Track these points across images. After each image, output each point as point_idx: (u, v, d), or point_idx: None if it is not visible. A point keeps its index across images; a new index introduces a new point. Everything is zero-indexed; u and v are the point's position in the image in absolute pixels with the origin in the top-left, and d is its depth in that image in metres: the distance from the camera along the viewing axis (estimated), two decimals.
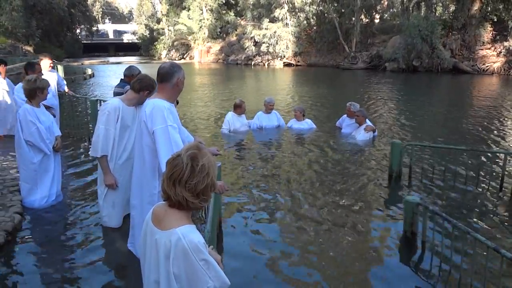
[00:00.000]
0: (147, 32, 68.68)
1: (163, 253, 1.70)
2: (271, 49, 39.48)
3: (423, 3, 32.56)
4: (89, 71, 26.85)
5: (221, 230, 4.16)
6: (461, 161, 6.63)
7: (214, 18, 50.87)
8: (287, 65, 39.21)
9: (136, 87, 3.75)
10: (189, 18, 51.15)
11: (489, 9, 29.01)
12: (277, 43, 39.01)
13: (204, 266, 1.67)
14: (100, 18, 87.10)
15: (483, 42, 28.84)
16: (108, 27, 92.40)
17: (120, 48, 79.53)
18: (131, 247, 3.52)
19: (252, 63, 41.48)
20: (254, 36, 40.55)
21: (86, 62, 46.67)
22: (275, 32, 38.76)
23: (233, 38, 48.74)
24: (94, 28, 68.56)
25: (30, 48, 41.38)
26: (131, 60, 54.15)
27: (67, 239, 4.10)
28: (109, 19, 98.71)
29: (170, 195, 1.72)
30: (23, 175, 4.72)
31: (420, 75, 26.71)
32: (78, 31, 66.29)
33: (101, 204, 4.04)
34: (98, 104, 8.00)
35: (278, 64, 39.69)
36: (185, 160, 1.70)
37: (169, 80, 3.03)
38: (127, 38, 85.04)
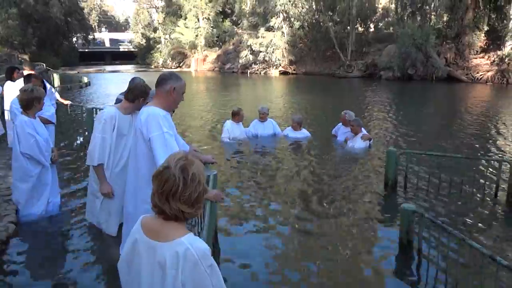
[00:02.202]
0: (144, 40, 68.79)
1: (170, 265, 1.65)
2: (267, 58, 39.66)
3: (417, 12, 32.89)
4: (85, 80, 26.83)
5: (217, 239, 4.15)
6: (457, 169, 6.66)
7: (211, 27, 51.12)
8: (283, 73, 39.38)
9: (130, 97, 3.76)
10: (185, 27, 51.35)
11: (482, 18, 29.34)
12: (273, 51, 39.20)
13: (210, 272, 1.66)
14: (96, 27, 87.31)
15: (477, 51, 29.16)
16: (104, 36, 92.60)
17: (117, 57, 79.61)
18: None
19: (248, 71, 41.63)
20: (250, 45, 40.75)
21: (83, 70, 46.67)
22: (271, 40, 38.97)
23: (230, 46, 48.93)
24: (91, 37, 68.70)
25: (26, 57, 41.32)
26: (127, 68, 54.24)
27: (62, 247, 4.07)
28: (105, 27, 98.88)
29: (165, 209, 1.68)
30: (21, 189, 4.58)
31: (415, 84, 26.89)
32: (74, 39, 66.35)
33: (97, 212, 4.03)
34: (94, 113, 7.99)
35: (274, 72, 39.85)
36: (176, 173, 1.66)
37: (162, 86, 3.04)
38: (123, 47, 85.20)
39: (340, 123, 8.80)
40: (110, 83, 28.05)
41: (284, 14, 39.24)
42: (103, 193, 3.82)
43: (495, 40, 28.64)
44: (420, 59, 28.44)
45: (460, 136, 9.74)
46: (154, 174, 1.72)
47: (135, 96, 3.75)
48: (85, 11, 71.47)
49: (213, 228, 3.87)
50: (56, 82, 22.28)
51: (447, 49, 29.67)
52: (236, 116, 8.65)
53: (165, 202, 1.67)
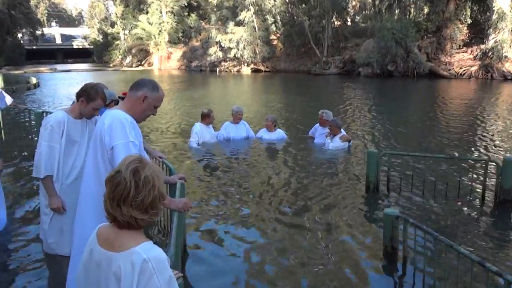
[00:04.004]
0: (100, 36, 67.60)
1: (125, 276, 1.65)
2: (238, 55, 39.72)
3: (395, 5, 33.76)
4: (34, 80, 26.02)
5: (186, 252, 4.10)
6: (441, 170, 6.83)
7: (175, 22, 50.77)
8: (255, 71, 39.53)
9: (76, 95, 3.67)
10: (147, 22, 50.81)
11: (464, 10, 30.35)
12: (244, 48, 39.30)
13: (167, 286, 1.66)
14: (45, 21, 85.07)
15: (459, 45, 30.11)
16: (55, 31, 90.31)
17: (70, 55, 77.84)
18: None
19: (218, 69, 41.57)
20: (219, 41, 40.71)
21: (30, 70, 45.38)
22: (241, 36, 39.07)
23: (196, 43, 48.74)
24: (39, 32, 66.75)
25: None
26: (82, 67, 53.15)
27: (8, 267, 3.92)
28: (56, 22, 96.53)
29: (117, 216, 1.69)
30: None
31: (396, 80, 27.54)
32: (20, 35, 64.41)
33: (46, 230, 3.87)
34: (44, 117, 7.78)
35: (245, 70, 39.94)
36: (127, 176, 1.68)
37: (135, 90, 2.95)
38: (77, 43, 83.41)
39: (317, 124, 8.90)
40: (62, 84, 27.38)
41: (255, 8, 39.45)
42: (52, 208, 3.68)
43: (478, 34, 29.66)
44: (400, 54, 29.17)
45: (444, 135, 10.01)
46: (106, 179, 1.74)
47: (78, 94, 3.63)
48: (32, 3, 69.51)
49: (182, 241, 3.83)
50: None
51: (428, 44, 30.55)
52: (207, 118, 8.60)
53: (117, 208, 1.69)
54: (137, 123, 2.94)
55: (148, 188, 1.70)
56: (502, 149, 8.57)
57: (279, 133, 9.17)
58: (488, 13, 28.96)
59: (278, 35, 41.19)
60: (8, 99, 8.51)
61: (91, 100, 3.57)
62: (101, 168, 2.91)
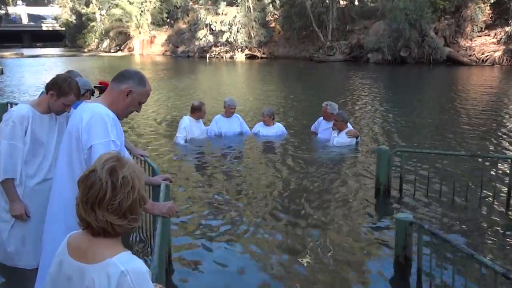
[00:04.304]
0: (73, 17, 67.09)
1: None
2: (230, 39, 39.60)
3: None
4: None
5: (171, 264, 4.09)
6: (461, 170, 6.85)
7: (159, 1, 50.51)
8: (250, 57, 39.43)
9: (46, 87, 3.63)
10: (127, 0, 50.52)
11: None
12: (237, 31, 39.19)
13: None
14: None
15: (481, 28, 30.02)
16: (20, 10, 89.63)
17: (38, 37, 77.30)
18: None
19: (208, 55, 41.44)
20: (209, 23, 40.56)
21: None
22: (235, 17, 38.95)
23: (183, 25, 48.54)
24: (2, 12, 66.34)
25: None
26: (52, 52, 52.83)
27: None
28: (22, 0, 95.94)
29: (90, 222, 1.68)
30: None
31: (409, 68, 27.56)
32: None
33: (4, 239, 3.82)
34: (9, 109, 7.72)
35: (239, 56, 39.84)
36: (103, 176, 1.67)
37: (118, 83, 2.91)
38: (47, 25, 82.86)
39: (321, 118, 8.90)
40: (29, 72, 27.21)
41: None
42: (14, 215, 3.64)
43: (502, 14, 29.57)
44: (414, 38, 29.15)
45: (464, 130, 10.04)
46: (79, 179, 1.73)
47: (47, 86, 3.59)
48: None
49: (166, 250, 3.82)
50: None
51: (446, 26, 30.54)
52: (197, 111, 8.56)
53: (91, 212, 1.67)
54: (119, 119, 2.91)
55: (126, 190, 1.68)
56: None
57: (278, 128, 9.16)
58: None
59: (276, 16, 41.04)
60: None
61: (62, 95, 3.52)
62: (76, 170, 2.87)
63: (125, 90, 2.89)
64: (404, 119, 11.23)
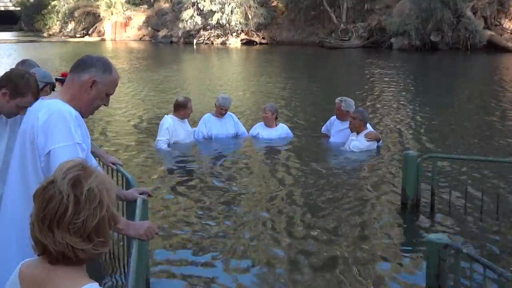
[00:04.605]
0: None
1: None
2: (223, 21, 39.66)
3: None
4: None
5: None
6: (507, 180, 6.82)
7: None
8: (247, 43, 39.51)
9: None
10: None
11: None
12: (231, 12, 39.27)
13: None
14: None
15: None
16: None
17: None
18: None
19: (195, 41, 41.52)
20: (197, 2, 40.64)
21: None
22: None
23: (165, 4, 48.66)
24: None
25: None
26: (4, 37, 52.86)
27: None
28: None
29: (47, 245, 1.63)
30: None
31: (442, 55, 27.59)
32: None
33: None
34: None
35: (233, 42, 39.90)
36: (64, 188, 1.62)
37: (78, 72, 2.88)
38: None
39: (334, 117, 8.86)
40: None
41: None
42: None
43: None
44: (448, 19, 29.19)
45: (509, 132, 10.01)
46: (35, 193, 1.69)
47: None
48: None
49: (144, 278, 3.79)
50: None
51: (486, 4, 30.60)
52: (182, 109, 8.50)
53: (48, 232, 1.62)
54: (83, 117, 2.89)
55: (93, 206, 1.64)
56: None
57: (282, 130, 9.14)
58: None
59: None
60: None
61: (18, 95, 3.46)
62: (31, 181, 2.85)
63: (88, 80, 2.86)
64: (436, 118, 11.21)
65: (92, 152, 3.32)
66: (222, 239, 5.23)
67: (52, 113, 2.74)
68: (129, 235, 3.08)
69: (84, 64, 2.91)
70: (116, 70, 2.99)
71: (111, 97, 3.01)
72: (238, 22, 39.49)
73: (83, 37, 52.48)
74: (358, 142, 8.07)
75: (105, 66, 2.94)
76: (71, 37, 53.09)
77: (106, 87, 2.93)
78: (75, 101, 2.87)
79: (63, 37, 52.95)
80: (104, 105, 3.00)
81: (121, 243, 4.40)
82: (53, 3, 60.32)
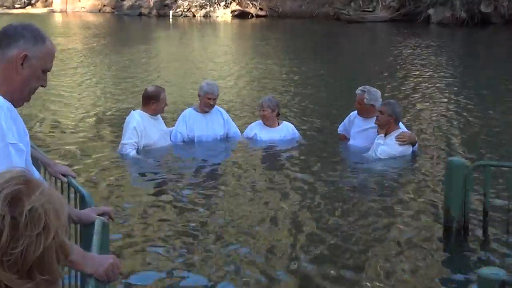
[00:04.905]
0: None
1: None
2: None
3: None
4: None
5: None
6: None
7: None
8: (239, 15, 39.65)
9: None
10: None
11: None
12: None
13: None
14: None
15: None
16: None
17: None
18: None
19: (171, 13, 41.60)
20: None
21: None
22: None
23: None
24: None
25: None
26: None
27: None
28: None
29: None
30: None
31: (495, 31, 27.67)
32: None
33: None
34: None
35: (221, 14, 40.02)
36: None
37: (1, 48, 2.89)
38: None
39: (354, 112, 8.84)
40: None
41: None
42: None
43: None
44: None
45: None
46: None
47: None
48: None
49: None
50: None
51: None
52: (153, 102, 8.48)
53: None
54: (18, 105, 2.88)
55: (35, 232, 1.60)
56: None
57: (286, 130, 9.15)
58: None
59: None
60: None
61: None
62: None
63: (18, 56, 2.82)
64: (490, 115, 11.24)
65: (35, 160, 3.30)
66: (209, 272, 5.24)
67: None
68: (85, 271, 3.05)
69: (8, 37, 2.86)
70: (52, 41, 2.96)
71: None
72: None
73: (24, 8, 52.53)
74: (387, 147, 8.04)
75: (36, 35, 2.90)
76: (8, 8, 53.12)
77: (41, 62, 2.88)
78: (3, 87, 2.82)
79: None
80: (42, 86, 2.95)
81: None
82: None
